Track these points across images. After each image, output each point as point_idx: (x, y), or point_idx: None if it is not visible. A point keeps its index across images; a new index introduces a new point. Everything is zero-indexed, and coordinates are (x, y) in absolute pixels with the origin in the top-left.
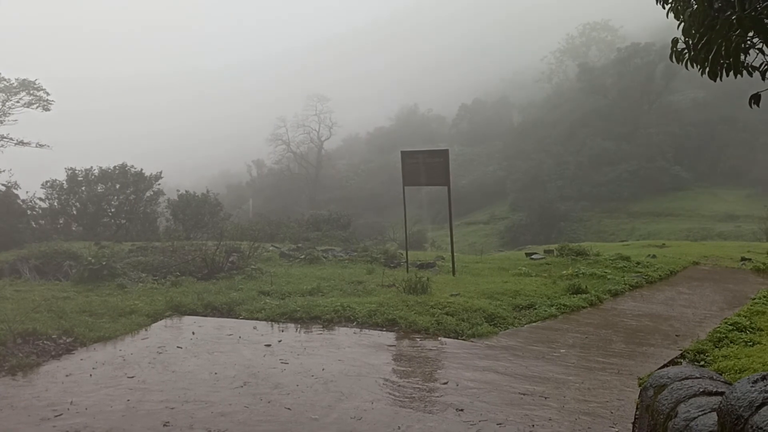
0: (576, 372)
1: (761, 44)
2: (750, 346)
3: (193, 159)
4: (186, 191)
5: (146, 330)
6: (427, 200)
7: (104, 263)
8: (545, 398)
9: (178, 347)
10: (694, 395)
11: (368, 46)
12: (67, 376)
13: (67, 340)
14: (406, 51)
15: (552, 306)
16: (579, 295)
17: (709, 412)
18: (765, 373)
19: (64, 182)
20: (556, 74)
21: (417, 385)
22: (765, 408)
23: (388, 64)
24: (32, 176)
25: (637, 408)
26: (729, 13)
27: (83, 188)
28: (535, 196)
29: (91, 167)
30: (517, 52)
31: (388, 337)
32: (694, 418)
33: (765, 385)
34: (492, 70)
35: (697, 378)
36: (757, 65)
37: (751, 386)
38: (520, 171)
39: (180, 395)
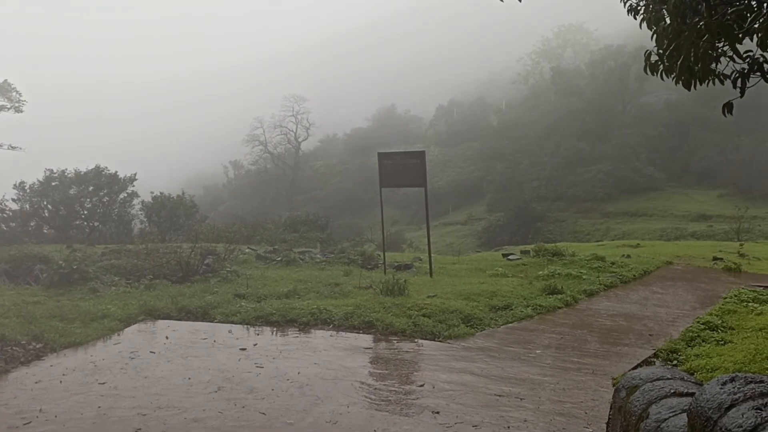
0: (551, 373)
1: (732, 53)
2: (721, 345)
3: (170, 161)
4: (160, 193)
5: (118, 335)
6: (405, 201)
7: (75, 267)
8: (521, 399)
9: (151, 352)
10: (665, 396)
11: (349, 51)
12: (36, 382)
13: (37, 346)
14: (386, 56)
15: (528, 306)
16: (555, 295)
17: (680, 413)
18: (734, 374)
19: (37, 182)
20: (532, 75)
21: (393, 388)
22: (733, 410)
23: (368, 68)
24: (4, 179)
25: (610, 408)
26: (697, 19)
27: (56, 190)
28: (511, 196)
29: (65, 169)
30: (495, 53)
31: (364, 340)
32: (665, 419)
33: (733, 387)
34: (469, 71)
35: (668, 379)
36: (728, 73)
37: (720, 388)
38: (496, 172)
39: (152, 401)
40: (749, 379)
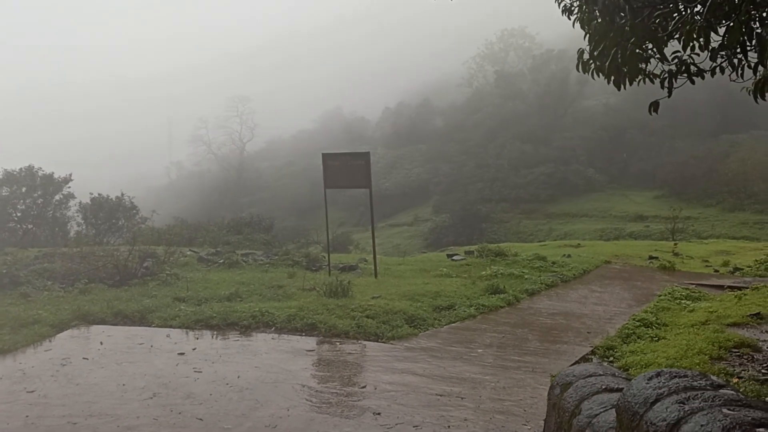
0: (492, 371)
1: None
2: (655, 341)
3: (111, 163)
4: (98, 194)
5: (50, 341)
6: (353, 203)
7: (5, 271)
8: (462, 398)
9: (84, 358)
10: (597, 392)
11: (295, 55)
12: None
13: None
14: (333, 60)
15: (471, 306)
16: (497, 295)
17: (610, 408)
18: (659, 370)
19: None
20: (476, 79)
21: (335, 390)
22: (658, 404)
23: (315, 72)
24: None
25: (547, 405)
26: (623, 21)
27: None
28: (457, 198)
29: None
30: (442, 57)
31: (307, 342)
32: (596, 414)
33: (659, 382)
34: (417, 75)
35: (600, 375)
36: (658, 73)
37: (646, 383)
38: (442, 173)
39: (84, 409)
40: (674, 374)
